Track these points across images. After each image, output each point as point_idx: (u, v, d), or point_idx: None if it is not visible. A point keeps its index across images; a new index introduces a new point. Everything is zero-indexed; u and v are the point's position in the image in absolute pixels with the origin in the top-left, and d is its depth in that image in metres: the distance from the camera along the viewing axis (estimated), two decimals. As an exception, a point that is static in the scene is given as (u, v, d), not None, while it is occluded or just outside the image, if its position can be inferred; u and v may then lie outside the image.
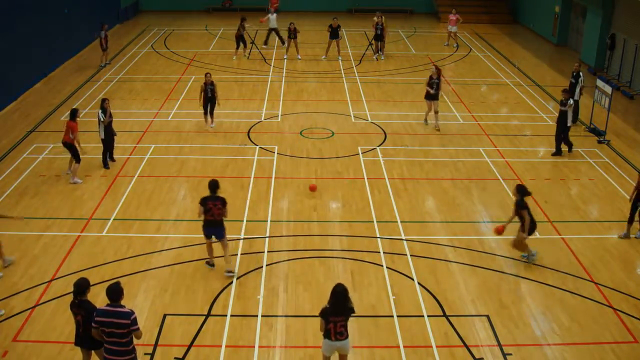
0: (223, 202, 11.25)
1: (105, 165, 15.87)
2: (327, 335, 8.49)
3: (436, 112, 18.61)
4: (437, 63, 26.05)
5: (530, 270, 11.98)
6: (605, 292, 11.37)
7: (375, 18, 26.16)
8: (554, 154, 17.02)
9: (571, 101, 16.61)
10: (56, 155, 16.65)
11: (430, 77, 18.39)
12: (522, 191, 11.92)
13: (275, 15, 27.51)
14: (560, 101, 16.86)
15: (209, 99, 18.16)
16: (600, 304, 11.05)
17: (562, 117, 16.67)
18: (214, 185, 11.28)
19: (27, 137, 17.98)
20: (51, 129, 18.49)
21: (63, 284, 11.31)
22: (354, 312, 8.55)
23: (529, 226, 11.82)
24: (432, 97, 18.46)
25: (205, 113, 18.42)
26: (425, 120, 19.08)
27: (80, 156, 15.11)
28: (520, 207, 11.84)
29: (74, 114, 15.07)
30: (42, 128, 18.65)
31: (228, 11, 35.89)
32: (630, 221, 12.94)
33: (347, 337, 8.54)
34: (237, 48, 26.11)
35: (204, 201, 11.22)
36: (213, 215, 11.21)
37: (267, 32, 28.03)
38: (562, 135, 16.92)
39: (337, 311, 8.39)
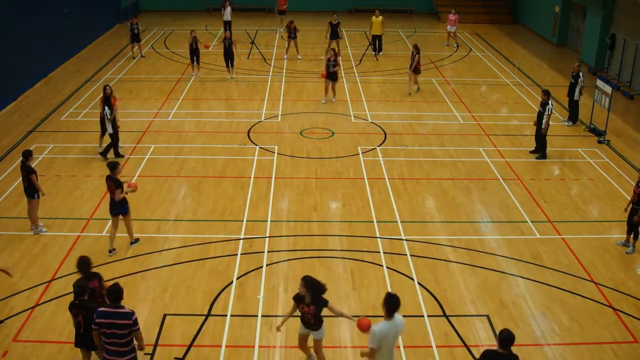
0: (117, 183, 11.84)
1: (118, 155, 16.41)
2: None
3: (416, 82, 22.27)
4: (437, 63, 26.13)
5: (530, 270, 11.98)
6: (605, 292, 11.37)
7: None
8: (536, 156, 16.93)
9: (550, 105, 16.43)
10: (56, 155, 16.67)
11: (412, 53, 21.74)
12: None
13: (229, 9, 28.57)
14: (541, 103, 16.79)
15: (194, 50, 23.00)
16: (600, 304, 11.05)
17: (540, 117, 16.61)
18: (114, 166, 11.99)
19: (27, 137, 17.98)
20: (51, 129, 18.50)
21: (63, 284, 11.31)
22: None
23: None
24: (413, 70, 22.01)
25: (192, 62, 23.48)
26: (409, 93, 22.10)
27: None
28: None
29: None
30: (42, 128, 18.64)
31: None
32: (630, 232, 12.71)
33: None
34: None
35: (106, 179, 12.12)
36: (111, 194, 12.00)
37: (223, 25, 28.99)
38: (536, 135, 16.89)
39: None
